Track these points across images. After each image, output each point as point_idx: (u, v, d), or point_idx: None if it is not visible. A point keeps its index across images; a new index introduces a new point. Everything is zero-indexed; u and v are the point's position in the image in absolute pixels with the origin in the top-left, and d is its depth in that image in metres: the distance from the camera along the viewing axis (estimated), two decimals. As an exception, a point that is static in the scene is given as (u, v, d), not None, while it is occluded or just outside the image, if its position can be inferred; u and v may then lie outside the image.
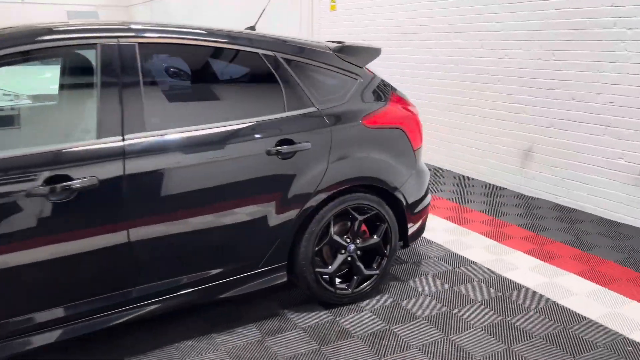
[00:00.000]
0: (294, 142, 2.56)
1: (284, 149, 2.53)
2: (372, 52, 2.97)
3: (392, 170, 2.88)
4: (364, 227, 2.92)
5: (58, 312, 2.18)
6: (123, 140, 2.20)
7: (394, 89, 3.06)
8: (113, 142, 2.18)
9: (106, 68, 2.22)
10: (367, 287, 2.95)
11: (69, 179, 2.07)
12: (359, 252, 2.88)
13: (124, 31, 2.30)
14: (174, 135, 2.32)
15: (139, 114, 2.25)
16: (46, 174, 2.04)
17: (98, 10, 19.51)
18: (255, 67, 2.63)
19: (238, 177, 2.45)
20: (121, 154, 2.18)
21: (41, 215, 2.05)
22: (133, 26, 2.36)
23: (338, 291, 2.85)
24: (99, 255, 2.20)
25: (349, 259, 2.86)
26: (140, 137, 2.23)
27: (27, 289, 2.10)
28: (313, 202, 2.65)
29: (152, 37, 2.36)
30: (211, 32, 2.52)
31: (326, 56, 2.79)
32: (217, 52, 2.57)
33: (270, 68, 2.61)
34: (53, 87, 2.82)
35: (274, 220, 2.59)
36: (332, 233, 2.78)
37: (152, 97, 2.33)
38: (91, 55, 2.27)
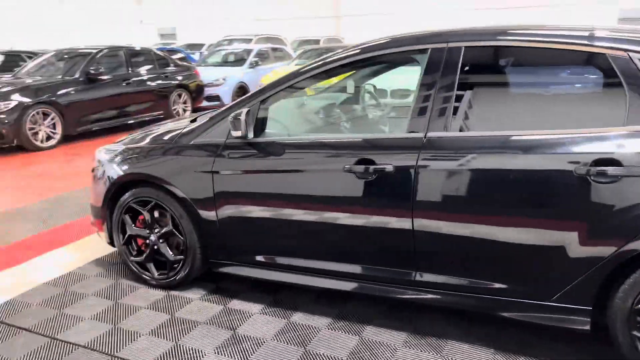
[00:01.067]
0: (618, 164, 2.07)
1: (606, 169, 2.08)
2: None
3: None
4: None
5: (355, 268, 2.65)
6: (425, 137, 2.39)
7: None
8: (415, 136, 2.42)
9: (428, 71, 2.48)
10: None
11: (373, 163, 2.45)
12: None
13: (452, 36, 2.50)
14: (474, 136, 2.39)
15: (445, 114, 2.40)
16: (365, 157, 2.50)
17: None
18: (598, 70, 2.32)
19: (541, 193, 2.22)
20: (419, 148, 2.36)
21: (350, 188, 2.53)
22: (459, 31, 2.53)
23: None
24: (387, 232, 2.50)
25: None
26: (440, 135, 2.39)
27: (334, 244, 2.68)
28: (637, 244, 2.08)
29: (476, 42, 2.47)
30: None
31: None
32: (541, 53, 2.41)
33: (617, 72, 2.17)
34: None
35: (578, 252, 2.19)
36: None
37: (467, 99, 2.46)
38: (422, 59, 2.54)
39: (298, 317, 2.84)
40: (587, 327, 2.24)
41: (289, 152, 2.73)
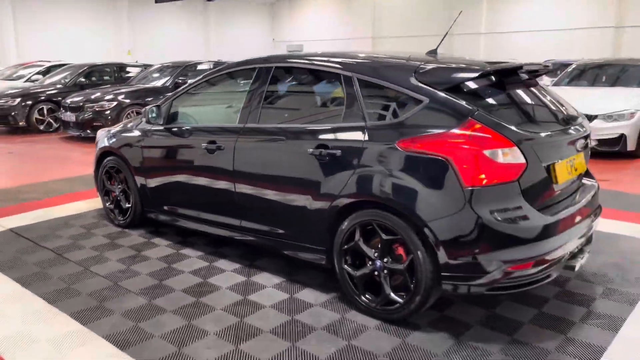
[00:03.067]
0: (328, 148, 3.08)
1: (322, 151, 3.07)
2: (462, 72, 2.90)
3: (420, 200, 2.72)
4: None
5: (215, 217, 3.84)
6: (244, 126, 3.58)
7: (480, 118, 2.66)
8: (239, 126, 3.61)
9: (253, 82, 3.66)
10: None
11: (215, 142, 3.67)
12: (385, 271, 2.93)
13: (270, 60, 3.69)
14: (263, 127, 3.51)
15: (256, 111, 3.57)
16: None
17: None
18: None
19: (293, 166, 3.29)
20: (238, 133, 3.58)
21: (205, 160, 3.78)
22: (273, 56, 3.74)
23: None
24: (224, 191, 3.68)
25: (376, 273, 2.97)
26: (251, 125, 3.55)
27: (202, 199, 3.93)
28: (338, 202, 3.02)
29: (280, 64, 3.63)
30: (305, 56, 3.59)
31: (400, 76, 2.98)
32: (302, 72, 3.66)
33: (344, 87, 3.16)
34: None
35: (313, 207, 3.16)
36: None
37: (267, 101, 3.59)
38: (252, 74, 3.69)
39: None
40: (323, 262, 3.21)
41: (179, 136, 4.05)
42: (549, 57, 17.12)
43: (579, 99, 5.85)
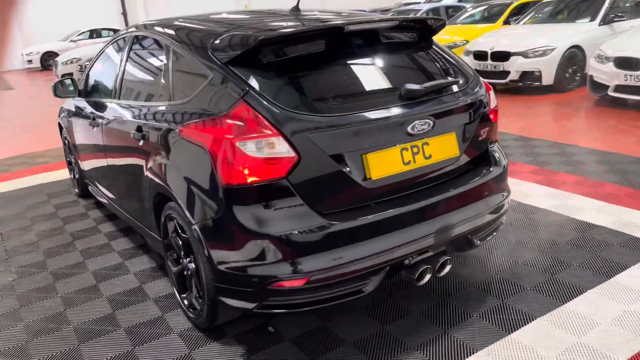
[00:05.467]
0: (141, 130, 2.78)
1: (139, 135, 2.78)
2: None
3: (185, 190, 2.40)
4: None
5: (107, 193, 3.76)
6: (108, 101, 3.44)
7: (251, 101, 2.12)
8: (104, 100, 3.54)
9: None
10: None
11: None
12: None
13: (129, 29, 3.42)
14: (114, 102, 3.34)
15: (115, 86, 3.37)
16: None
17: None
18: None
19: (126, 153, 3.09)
20: (104, 108, 3.47)
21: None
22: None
23: None
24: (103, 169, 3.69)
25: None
26: (111, 100, 3.40)
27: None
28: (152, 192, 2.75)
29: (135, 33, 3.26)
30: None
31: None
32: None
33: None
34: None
35: (143, 188, 2.86)
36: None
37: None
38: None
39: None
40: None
41: (80, 110, 3.99)
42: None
43: (505, 37, 8.55)
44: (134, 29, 3.33)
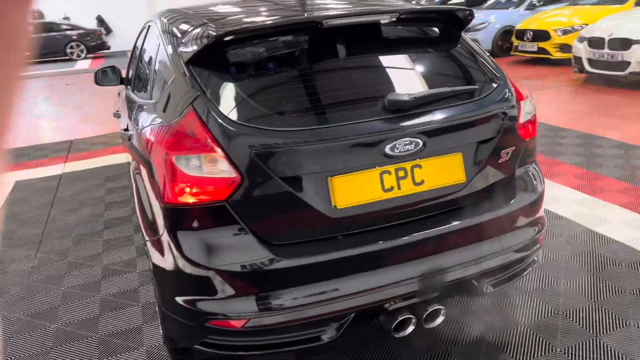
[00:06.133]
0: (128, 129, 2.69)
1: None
2: None
3: None
4: None
5: None
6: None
7: (198, 109, 1.81)
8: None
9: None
10: None
11: None
12: None
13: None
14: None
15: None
16: None
17: None
18: None
19: None
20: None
21: None
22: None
23: None
24: None
25: None
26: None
27: None
28: None
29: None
30: None
31: None
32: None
33: None
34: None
35: None
36: None
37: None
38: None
39: None
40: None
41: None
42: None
43: (629, 22, 7.34)
44: (151, 19, 3.17)
